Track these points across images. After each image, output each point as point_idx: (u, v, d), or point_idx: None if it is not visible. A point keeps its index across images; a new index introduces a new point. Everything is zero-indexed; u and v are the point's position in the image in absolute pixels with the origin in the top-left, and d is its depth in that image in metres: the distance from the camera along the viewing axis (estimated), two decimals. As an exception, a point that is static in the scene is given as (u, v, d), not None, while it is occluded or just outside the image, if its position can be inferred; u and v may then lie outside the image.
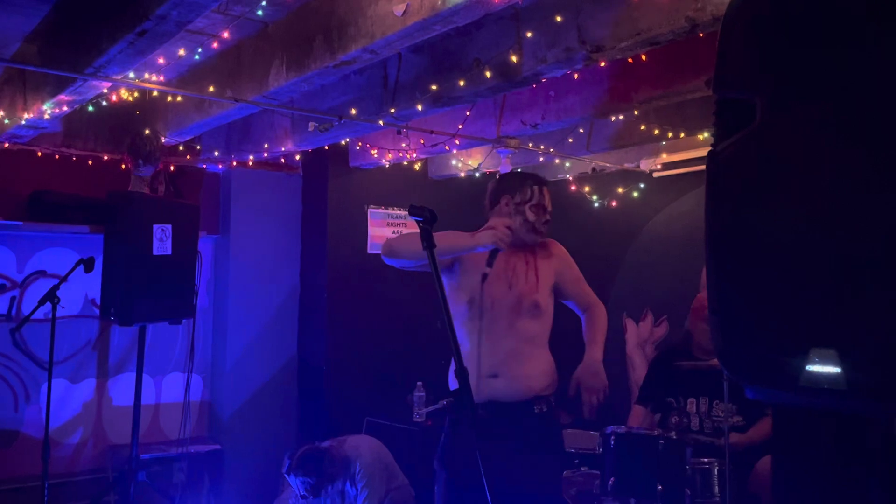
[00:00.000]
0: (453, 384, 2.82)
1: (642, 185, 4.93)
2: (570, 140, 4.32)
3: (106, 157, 4.54)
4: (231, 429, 5.11)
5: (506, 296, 2.81)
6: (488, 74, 3.01)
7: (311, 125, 3.57)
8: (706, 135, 4.01)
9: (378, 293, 5.32)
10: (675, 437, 3.37)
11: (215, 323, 5.29)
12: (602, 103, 3.50)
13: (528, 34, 2.84)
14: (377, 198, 5.39)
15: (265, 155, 4.58)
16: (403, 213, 5.47)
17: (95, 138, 4.50)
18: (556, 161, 4.95)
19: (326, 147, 4.76)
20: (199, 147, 4.80)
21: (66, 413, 4.69)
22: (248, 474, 5.09)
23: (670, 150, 4.60)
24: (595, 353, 2.92)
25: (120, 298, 4.00)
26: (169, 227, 4.26)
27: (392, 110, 3.51)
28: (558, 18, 2.71)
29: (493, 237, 2.71)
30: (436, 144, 4.08)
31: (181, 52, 3.24)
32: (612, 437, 3.42)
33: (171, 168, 4.79)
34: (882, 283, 1.13)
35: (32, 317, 3.94)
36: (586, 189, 5.15)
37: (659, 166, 4.76)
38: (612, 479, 3.35)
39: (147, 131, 4.23)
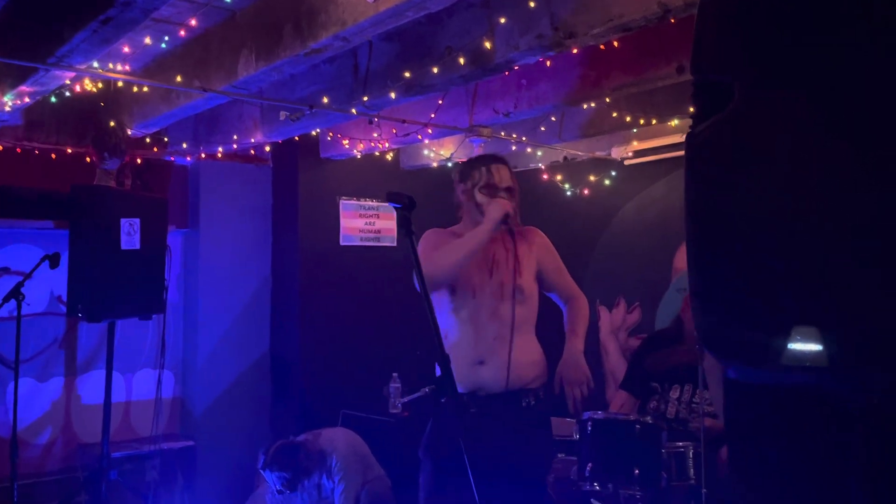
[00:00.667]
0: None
1: (614, 173, 4.96)
2: (543, 129, 4.32)
3: (70, 151, 4.43)
4: (204, 425, 5.05)
5: (487, 283, 2.80)
6: (461, 62, 2.99)
7: (283, 114, 3.52)
8: (677, 122, 4.04)
9: (352, 285, 5.29)
10: (651, 421, 3.39)
11: (186, 318, 5.21)
12: (574, 91, 3.50)
13: (501, 20, 2.83)
14: (349, 189, 5.34)
15: (234, 147, 4.52)
16: (376, 204, 5.44)
17: (59, 131, 4.39)
18: (528, 150, 4.95)
19: (297, 138, 4.70)
20: (166, 139, 4.71)
21: (34, 412, 4.60)
22: (223, 470, 5.03)
23: (641, 138, 4.62)
24: (575, 344, 2.89)
25: (87, 295, 3.92)
26: (137, 221, 4.19)
27: (364, 99, 3.48)
28: (531, 4, 2.70)
29: (498, 210, 2.72)
30: (408, 134, 4.05)
31: (147, 40, 3.17)
32: (589, 423, 3.43)
33: (138, 161, 4.69)
34: (864, 260, 1.13)
35: (-3, 315, 3.84)
36: (558, 178, 5.16)
37: (630, 154, 4.79)
38: (589, 464, 3.36)
39: (112, 123, 4.14)
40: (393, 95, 3.35)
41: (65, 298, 4.41)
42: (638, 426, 3.36)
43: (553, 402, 4.09)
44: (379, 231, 5.46)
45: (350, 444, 4.04)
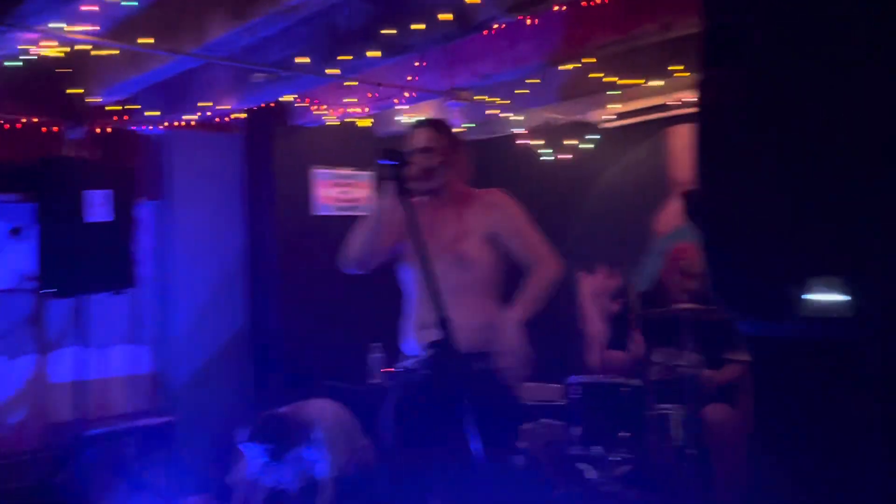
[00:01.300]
0: (404, 342, 2.80)
1: (594, 137, 4.90)
2: (522, 92, 4.24)
3: (35, 120, 4.26)
4: (182, 400, 4.95)
5: (431, 248, 2.59)
6: (443, 19, 2.89)
7: (257, 75, 3.40)
8: (657, 83, 3.98)
9: (329, 255, 5.15)
10: (638, 383, 3.39)
11: (161, 291, 5.09)
12: (557, 51, 3.42)
13: (485, -25, 2.73)
14: (323, 157, 5.23)
15: (208, 114, 4.37)
16: (351, 172, 5.34)
17: (20, 100, 4.21)
18: (506, 115, 4.87)
19: (270, 105, 4.57)
20: (135, 107, 4.55)
21: (5, 392, 4.47)
22: (203, 446, 4.95)
23: (621, 101, 4.56)
24: (513, 311, 2.66)
25: (56, 270, 3.81)
26: (105, 192, 4.06)
27: (341, 61, 3.37)
28: (515, -43, 2.61)
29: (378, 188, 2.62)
30: (385, 98, 3.95)
31: None
32: (577, 388, 3.42)
33: (106, 130, 4.53)
34: (889, 206, 1.09)
35: (-38, 292, 3.70)
36: (538, 142, 5.09)
37: (611, 117, 4.74)
38: (577, 428, 3.36)
39: (78, 91, 3.97)
40: (370, 56, 3.24)
41: (33, 274, 4.28)
42: (623, 388, 3.36)
43: (537, 366, 4.07)
44: (355, 200, 5.37)
45: (335, 415, 3.99)
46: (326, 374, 4.85)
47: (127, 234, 4.18)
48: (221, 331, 5.15)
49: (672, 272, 4.13)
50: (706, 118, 1.40)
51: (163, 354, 5.08)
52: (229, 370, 5.15)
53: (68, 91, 4.00)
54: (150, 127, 4.78)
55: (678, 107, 4.31)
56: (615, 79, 3.78)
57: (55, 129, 4.23)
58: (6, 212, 4.39)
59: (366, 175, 5.36)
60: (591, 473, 3.39)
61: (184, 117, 4.45)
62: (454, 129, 2.90)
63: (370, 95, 4.02)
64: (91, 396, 4.60)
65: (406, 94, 3.86)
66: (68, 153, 4.22)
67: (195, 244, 5.04)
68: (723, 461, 3.63)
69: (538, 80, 4.24)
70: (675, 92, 4.19)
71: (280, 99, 4.41)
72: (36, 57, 3.58)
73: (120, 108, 4.41)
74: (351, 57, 3.32)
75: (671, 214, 4.69)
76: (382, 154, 1.89)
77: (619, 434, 3.30)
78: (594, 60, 3.78)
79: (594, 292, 5.01)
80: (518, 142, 5.08)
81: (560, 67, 3.78)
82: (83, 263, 3.85)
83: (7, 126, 4.24)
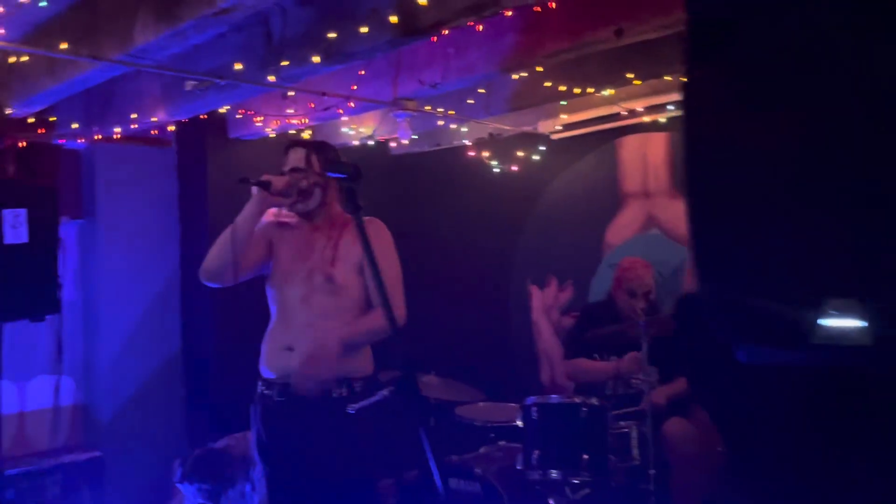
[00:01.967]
0: (263, 364, 2.70)
1: (542, 148, 4.80)
2: (470, 101, 4.11)
3: (-60, 135, 3.91)
4: (111, 433, 4.63)
5: (300, 269, 2.69)
6: (387, 23, 2.73)
7: (189, 84, 3.17)
8: (608, 92, 3.89)
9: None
10: (596, 402, 3.27)
11: (86, 317, 4.76)
12: (507, 59, 3.29)
13: (432, -23, 2.58)
14: (261, 172, 4.92)
15: (134, 127, 4.09)
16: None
17: (-76, 112, 3.85)
18: (452, 126, 4.73)
19: (203, 117, 4.31)
20: (53, 119, 4.23)
21: None
22: (134, 481, 4.63)
23: (569, 111, 4.48)
24: (338, 330, 2.57)
25: (-32, 296, 3.47)
26: (22, 211, 3.73)
27: (279, 70, 3.16)
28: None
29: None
30: (327, 108, 3.76)
31: None
32: (534, 409, 3.27)
33: (22, 145, 4.20)
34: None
35: None
36: (484, 154, 4.96)
37: (558, 128, 4.64)
38: (535, 451, 3.21)
39: (-12, 102, 3.66)
40: (310, 65, 3.05)
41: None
42: (584, 409, 3.23)
43: (493, 385, 3.91)
44: (294, 215, 5.12)
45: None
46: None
47: (47, 256, 3.86)
48: (152, 358, 4.85)
49: (620, 291, 4.05)
50: (692, 120, 1.26)
51: (88, 385, 4.74)
52: (161, 400, 4.84)
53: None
54: (72, 141, 4.46)
55: (627, 117, 4.24)
56: (563, 87, 3.67)
57: (-36, 143, 3.89)
58: None
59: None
60: (551, 499, 3.24)
61: (115, 130, 4.16)
62: (335, 153, 2.86)
63: (312, 106, 3.81)
64: (9, 432, 4.26)
65: (351, 105, 3.67)
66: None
67: (123, 266, 4.74)
68: (683, 476, 3.54)
69: (483, 91, 4.12)
70: (625, 102, 4.12)
71: (215, 111, 4.16)
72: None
73: (37, 120, 4.09)
74: (288, 63, 3.11)
75: (622, 225, 4.61)
76: (328, 167, 1.72)
77: (578, 456, 3.16)
78: (541, 70, 3.67)
79: (545, 306, 4.89)
80: (467, 154, 4.94)
81: (510, 76, 3.66)
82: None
83: None
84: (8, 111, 3.70)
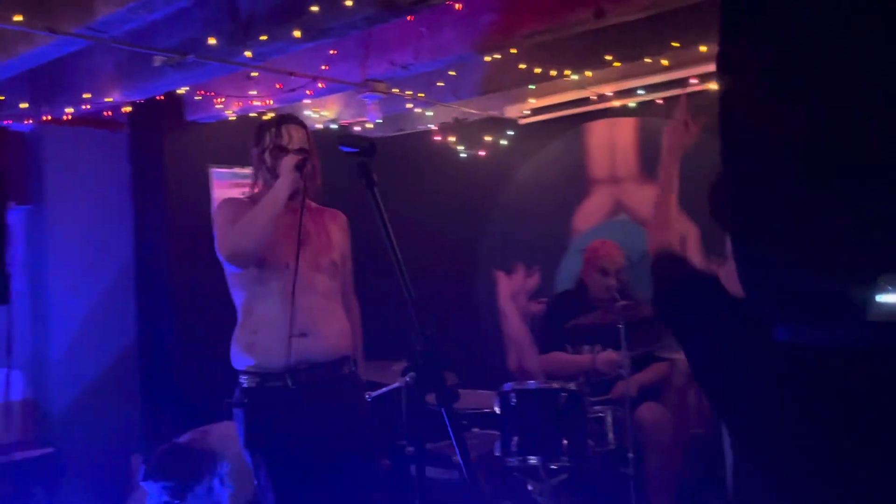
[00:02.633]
0: (237, 358, 2.65)
1: (510, 133, 4.76)
2: (440, 84, 4.03)
3: None
4: (64, 428, 4.42)
5: (304, 253, 2.67)
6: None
7: (157, 59, 3.00)
8: (578, 76, 3.86)
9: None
10: (574, 388, 3.25)
11: (35, 308, 4.53)
12: (482, 39, 3.22)
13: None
14: (221, 156, 4.82)
15: (86, 108, 3.89)
16: (251, 172, 4.95)
17: None
18: (417, 110, 4.64)
19: (160, 98, 4.13)
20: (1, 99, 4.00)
21: None
22: (91, 477, 4.45)
23: (538, 96, 4.44)
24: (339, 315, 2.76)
25: None
26: (-34, 197, 3.52)
27: (246, 47, 3.03)
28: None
29: (291, 160, 2.57)
30: (294, 89, 3.63)
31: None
32: (513, 395, 3.24)
33: (-37, 126, 3.96)
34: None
35: None
36: (451, 139, 4.89)
37: (526, 112, 4.60)
38: (514, 438, 3.17)
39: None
40: (282, 42, 2.93)
41: None
42: (563, 394, 3.21)
43: (460, 372, 3.86)
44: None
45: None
46: (230, 392, 4.44)
47: (-6, 244, 3.66)
48: (106, 350, 4.65)
49: (591, 271, 4.06)
50: (728, 93, 1.21)
51: (39, 379, 4.52)
52: (116, 393, 4.65)
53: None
54: (18, 122, 4.23)
55: (597, 101, 4.22)
56: (538, 69, 3.62)
57: None
58: None
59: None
60: (530, 484, 3.21)
61: (67, 111, 3.95)
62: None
63: (279, 87, 3.68)
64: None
65: (321, 85, 3.55)
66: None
67: (74, 254, 4.52)
68: (657, 459, 3.57)
69: (453, 74, 4.04)
70: (594, 86, 4.10)
71: (172, 92, 3.98)
72: None
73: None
74: (257, 39, 2.98)
75: (590, 211, 4.61)
76: (340, 141, 1.63)
77: (557, 441, 3.14)
78: (515, 52, 3.61)
79: (512, 293, 4.86)
80: (433, 138, 4.86)
81: (485, 58, 3.59)
82: (-59, 279, 3.31)
83: None
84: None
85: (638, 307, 3.67)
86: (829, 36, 1.12)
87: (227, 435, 3.60)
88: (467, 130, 4.83)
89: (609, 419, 3.44)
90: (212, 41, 2.93)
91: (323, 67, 3.48)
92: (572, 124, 4.59)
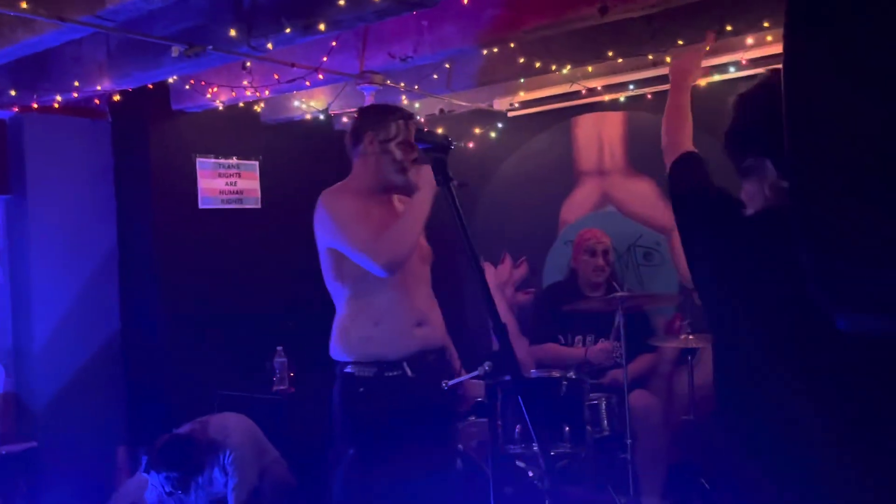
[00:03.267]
0: (337, 349, 2.61)
1: (499, 125, 4.80)
2: (435, 76, 4.05)
3: None
4: (47, 422, 4.35)
5: None
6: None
7: (175, 49, 2.96)
8: (566, 70, 3.91)
9: (215, 253, 4.76)
10: (574, 376, 3.33)
11: (15, 300, 4.44)
12: (484, 33, 3.26)
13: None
14: (206, 146, 4.77)
15: (75, 96, 3.81)
16: (236, 162, 4.92)
17: None
18: (405, 102, 4.65)
19: (148, 87, 4.07)
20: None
21: None
22: (74, 472, 4.38)
23: (527, 89, 4.49)
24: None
25: None
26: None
27: (250, 39, 3.01)
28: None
29: (431, 175, 2.41)
30: (293, 80, 3.62)
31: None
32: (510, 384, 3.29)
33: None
34: None
35: None
36: (439, 131, 4.91)
37: (515, 105, 4.65)
38: (517, 426, 3.24)
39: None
40: (288, 33, 2.92)
41: None
42: (564, 382, 3.29)
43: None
44: (241, 192, 4.96)
45: (243, 431, 3.62)
46: (220, 383, 4.42)
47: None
48: (89, 343, 4.58)
49: (580, 256, 4.15)
50: (795, 86, 1.24)
51: (20, 372, 4.44)
52: (99, 387, 4.59)
53: None
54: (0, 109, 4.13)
55: (586, 95, 4.29)
56: (538, 63, 3.67)
57: None
58: None
59: (254, 165, 4.97)
60: (531, 471, 3.29)
61: (57, 99, 3.87)
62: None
63: (276, 77, 3.66)
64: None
65: (320, 76, 3.54)
66: None
67: (56, 244, 4.44)
68: (649, 445, 3.67)
69: (448, 66, 4.07)
70: (584, 80, 4.17)
71: (160, 81, 3.93)
72: None
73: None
74: (264, 36, 2.97)
75: (577, 203, 4.69)
76: (418, 136, 1.64)
77: (561, 428, 3.22)
78: (513, 45, 3.65)
79: (499, 283, 4.93)
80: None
81: (479, 52, 3.63)
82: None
83: None
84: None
85: (633, 299, 3.77)
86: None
87: (226, 425, 3.61)
88: (455, 122, 4.86)
89: (603, 406, 3.53)
90: (233, 33, 2.91)
91: (324, 59, 3.47)
92: (560, 118, 4.66)
